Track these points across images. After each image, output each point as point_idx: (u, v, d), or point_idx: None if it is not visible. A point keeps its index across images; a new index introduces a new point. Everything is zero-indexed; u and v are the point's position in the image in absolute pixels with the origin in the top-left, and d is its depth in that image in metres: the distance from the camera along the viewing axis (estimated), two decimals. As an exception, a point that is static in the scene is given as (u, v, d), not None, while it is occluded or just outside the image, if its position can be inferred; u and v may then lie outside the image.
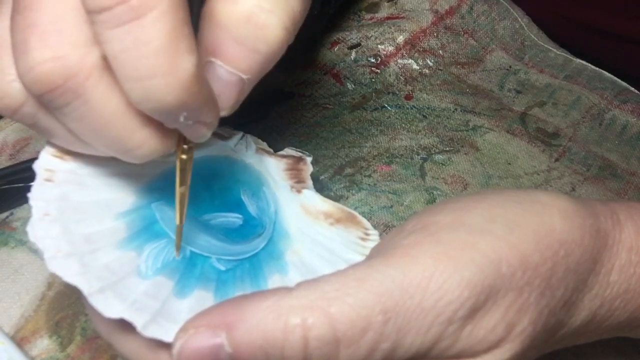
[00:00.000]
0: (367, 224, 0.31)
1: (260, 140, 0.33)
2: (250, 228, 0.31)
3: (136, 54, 0.20)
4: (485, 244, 0.25)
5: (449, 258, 0.24)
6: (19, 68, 0.22)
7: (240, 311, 0.23)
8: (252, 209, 0.31)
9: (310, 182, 0.33)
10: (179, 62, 0.21)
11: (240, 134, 0.33)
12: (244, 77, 0.25)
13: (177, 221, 0.27)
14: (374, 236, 0.30)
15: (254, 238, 0.30)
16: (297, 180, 0.33)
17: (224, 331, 0.23)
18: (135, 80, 0.21)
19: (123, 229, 0.28)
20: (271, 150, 0.33)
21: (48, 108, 0.23)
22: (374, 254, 0.27)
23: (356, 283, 0.23)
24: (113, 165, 0.29)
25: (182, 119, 0.23)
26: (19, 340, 0.32)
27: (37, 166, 0.27)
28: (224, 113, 0.25)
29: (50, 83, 0.22)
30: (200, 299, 0.27)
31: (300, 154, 0.34)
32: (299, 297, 0.23)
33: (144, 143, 0.24)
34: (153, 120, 0.23)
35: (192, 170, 0.27)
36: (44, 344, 0.33)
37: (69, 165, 0.28)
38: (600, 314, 0.28)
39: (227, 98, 0.25)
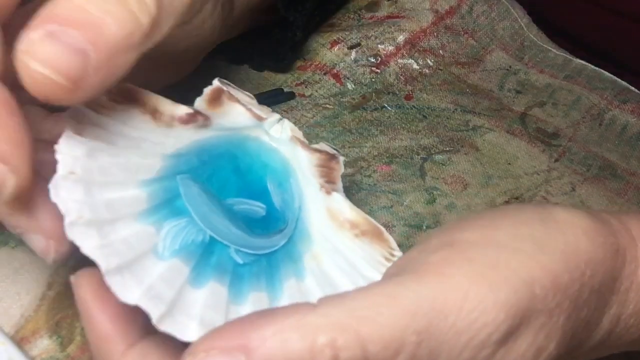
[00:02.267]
0: (393, 243, 0.30)
1: (296, 129, 0.31)
2: (272, 221, 0.29)
3: None
4: (517, 263, 0.24)
5: (483, 277, 0.23)
6: None
7: (259, 330, 0.21)
8: (276, 199, 0.30)
9: (340, 185, 0.31)
10: None
11: (278, 116, 0.31)
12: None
13: None
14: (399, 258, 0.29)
15: (275, 233, 0.29)
16: (328, 180, 0.31)
17: (242, 354, 0.21)
18: None
19: (144, 199, 0.26)
20: (306, 141, 0.32)
21: None
22: (399, 271, 0.25)
23: (388, 301, 0.22)
24: (145, 128, 0.28)
25: None
26: (19, 340, 0.32)
27: (67, 116, 0.26)
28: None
29: None
30: (215, 291, 0.26)
31: (334, 151, 0.32)
32: (326, 314, 0.21)
33: None
34: None
35: (222, 146, 0.27)
36: (44, 344, 0.33)
37: (101, 120, 0.27)
38: (617, 332, 0.27)
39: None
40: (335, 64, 0.49)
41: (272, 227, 0.29)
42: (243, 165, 0.31)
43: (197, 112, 0.30)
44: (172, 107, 0.29)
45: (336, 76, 0.48)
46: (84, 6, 0.23)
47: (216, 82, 0.31)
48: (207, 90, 0.30)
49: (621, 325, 0.27)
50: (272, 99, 0.46)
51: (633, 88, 0.50)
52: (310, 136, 0.44)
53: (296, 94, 0.46)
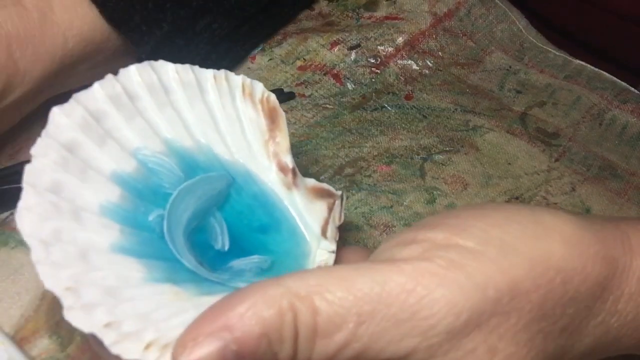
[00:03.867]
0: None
1: (336, 235, 0.32)
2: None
3: None
4: (473, 266, 0.25)
5: (432, 275, 0.24)
6: None
7: (235, 309, 0.24)
8: (238, 264, 0.31)
9: None
10: None
11: (334, 248, 0.32)
12: None
13: None
14: None
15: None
16: None
17: (226, 332, 0.23)
18: None
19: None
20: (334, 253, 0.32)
21: None
22: (368, 258, 0.28)
23: (339, 282, 0.24)
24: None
25: None
26: (19, 340, 0.32)
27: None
28: None
29: None
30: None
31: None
32: (287, 286, 0.24)
33: None
34: None
35: (279, 207, 0.31)
36: (44, 344, 0.32)
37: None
38: (607, 341, 0.27)
39: None
40: (335, 64, 0.49)
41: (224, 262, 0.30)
42: (268, 229, 0.32)
43: (294, 171, 0.32)
44: (284, 148, 0.33)
45: (336, 76, 0.48)
46: None
47: (338, 195, 0.32)
48: (322, 187, 0.33)
49: (612, 334, 0.27)
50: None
51: (633, 89, 0.50)
52: (310, 136, 0.44)
53: (296, 94, 0.46)
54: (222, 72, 0.33)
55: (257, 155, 0.33)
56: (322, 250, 0.31)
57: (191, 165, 0.31)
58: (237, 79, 0.33)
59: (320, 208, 0.32)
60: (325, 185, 0.33)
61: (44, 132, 0.28)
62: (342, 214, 0.32)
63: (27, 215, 0.26)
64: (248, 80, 0.33)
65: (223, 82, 0.33)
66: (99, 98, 0.29)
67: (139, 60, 0.41)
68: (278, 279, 0.25)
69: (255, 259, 0.30)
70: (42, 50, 0.37)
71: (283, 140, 0.33)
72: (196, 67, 0.33)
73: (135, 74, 0.31)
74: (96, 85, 0.29)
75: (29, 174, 0.27)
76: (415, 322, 0.24)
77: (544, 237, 0.26)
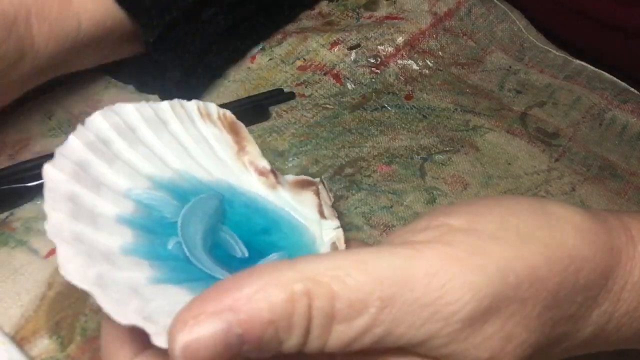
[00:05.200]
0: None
1: (342, 240, 0.32)
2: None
3: None
4: (495, 251, 0.24)
5: (456, 260, 0.24)
6: None
7: (243, 289, 0.22)
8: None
9: None
10: None
11: (338, 223, 0.33)
12: None
13: None
14: None
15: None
16: None
17: (231, 313, 0.22)
18: None
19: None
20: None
21: None
22: (384, 242, 0.27)
23: (359, 265, 0.23)
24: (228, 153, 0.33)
25: None
26: (19, 340, 0.32)
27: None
28: None
29: None
30: None
31: None
32: (302, 270, 0.23)
33: None
34: None
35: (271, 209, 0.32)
36: (44, 344, 0.32)
37: None
38: (608, 329, 0.28)
39: None
40: (335, 64, 0.49)
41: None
42: (270, 230, 0.33)
43: (273, 172, 0.34)
44: (256, 154, 0.34)
45: (336, 76, 0.48)
46: None
47: (318, 181, 0.35)
48: (301, 178, 0.34)
49: (613, 322, 0.27)
50: (272, 99, 0.46)
51: (633, 89, 0.50)
52: (310, 136, 0.44)
53: (296, 94, 0.46)
54: (176, 101, 0.34)
55: (233, 169, 0.34)
56: (327, 230, 0.32)
57: (180, 194, 0.31)
58: (192, 104, 0.35)
59: (308, 197, 0.34)
60: (303, 177, 0.35)
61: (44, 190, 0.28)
62: (330, 195, 0.34)
63: (69, 263, 0.26)
64: (201, 102, 0.35)
65: (180, 110, 0.34)
66: (77, 149, 0.30)
67: (146, 46, 0.42)
68: (293, 261, 0.23)
69: (274, 256, 0.31)
70: (57, 29, 0.38)
71: (252, 147, 0.34)
72: (151, 102, 0.34)
73: (102, 121, 0.31)
74: (72, 137, 0.30)
75: (51, 225, 0.27)
76: (438, 307, 0.23)
77: (558, 227, 0.26)
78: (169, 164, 0.32)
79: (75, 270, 0.25)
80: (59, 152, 0.29)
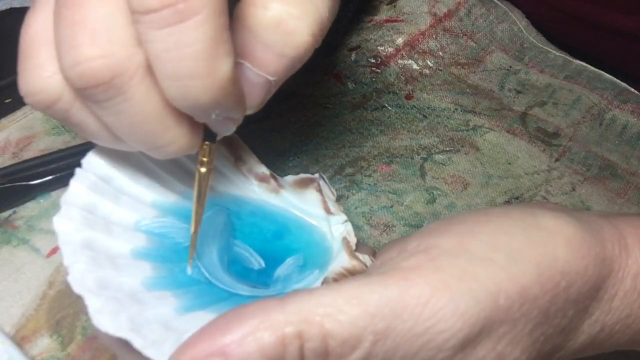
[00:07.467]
0: None
1: (353, 234, 0.32)
2: (259, 277, 0.31)
3: (177, 56, 0.21)
4: (485, 275, 0.25)
5: (446, 287, 0.24)
6: (63, 61, 0.23)
7: (233, 333, 0.23)
8: (283, 272, 0.31)
9: None
10: (218, 66, 0.22)
11: (345, 218, 0.33)
12: (271, 79, 0.25)
13: (192, 230, 0.28)
14: None
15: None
16: None
17: (221, 357, 0.22)
18: (174, 80, 0.22)
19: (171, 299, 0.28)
20: (353, 247, 0.33)
21: (87, 101, 0.24)
22: (372, 271, 0.27)
23: (351, 301, 0.23)
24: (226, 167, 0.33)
25: (213, 116, 0.24)
26: (20, 340, 0.32)
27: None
28: (250, 111, 0.27)
29: (96, 79, 0.23)
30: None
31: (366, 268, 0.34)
32: (293, 311, 0.23)
33: (175, 140, 0.25)
34: (185, 120, 0.25)
35: (277, 212, 0.32)
36: (44, 343, 0.33)
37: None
38: (600, 338, 0.28)
39: (254, 97, 0.26)
40: (336, 64, 0.49)
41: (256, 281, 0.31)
42: (281, 234, 0.33)
43: (273, 176, 0.34)
44: (254, 162, 0.34)
45: (337, 76, 0.48)
46: None
47: (317, 177, 0.34)
48: (301, 177, 0.34)
49: (605, 331, 0.27)
50: (273, 99, 0.46)
51: (633, 89, 0.50)
52: (311, 136, 0.44)
53: (297, 93, 0.46)
54: None
55: (234, 180, 0.34)
56: (336, 225, 0.32)
57: (187, 215, 0.31)
58: None
59: (311, 195, 0.33)
60: (303, 175, 0.34)
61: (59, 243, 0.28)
62: (332, 189, 0.34)
63: (100, 314, 0.26)
64: None
65: None
66: (81, 193, 0.30)
67: None
68: (283, 301, 0.23)
69: (290, 261, 0.31)
70: None
71: (248, 155, 0.34)
72: None
73: (98, 159, 0.31)
74: (73, 183, 0.30)
75: (66, 254, 0.27)
76: (430, 335, 0.24)
77: (548, 242, 0.26)
78: (170, 187, 0.32)
79: (108, 321, 0.25)
80: (64, 201, 0.29)
